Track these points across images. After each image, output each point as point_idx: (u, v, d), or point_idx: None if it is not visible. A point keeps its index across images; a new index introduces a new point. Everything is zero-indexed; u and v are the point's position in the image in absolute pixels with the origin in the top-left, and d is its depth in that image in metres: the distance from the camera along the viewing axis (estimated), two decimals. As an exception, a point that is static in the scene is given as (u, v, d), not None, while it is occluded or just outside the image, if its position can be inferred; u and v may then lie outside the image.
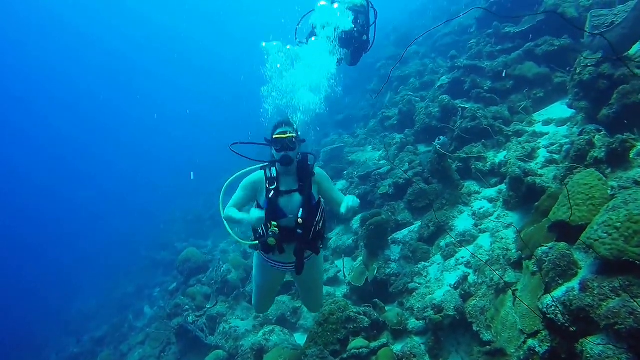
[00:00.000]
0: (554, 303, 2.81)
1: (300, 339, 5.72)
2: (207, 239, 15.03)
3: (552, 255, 3.00)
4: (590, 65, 5.08)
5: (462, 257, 4.85)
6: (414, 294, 4.78)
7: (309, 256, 3.36)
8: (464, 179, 5.89)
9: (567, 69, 6.55)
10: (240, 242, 3.42)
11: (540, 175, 4.76)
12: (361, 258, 6.05)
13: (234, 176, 3.63)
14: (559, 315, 2.75)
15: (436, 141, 5.50)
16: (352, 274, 5.92)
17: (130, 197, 34.20)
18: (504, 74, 7.02)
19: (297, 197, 3.21)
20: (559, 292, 2.84)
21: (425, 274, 5.08)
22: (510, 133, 6.11)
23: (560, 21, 7.02)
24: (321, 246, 3.43)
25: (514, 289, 3.57)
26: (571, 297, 2.67)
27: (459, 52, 10.11)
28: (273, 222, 3.08)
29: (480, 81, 7.17)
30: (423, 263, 5.25)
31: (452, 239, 5.08)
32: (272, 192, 3.18)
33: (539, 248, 3.25)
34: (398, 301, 5.16)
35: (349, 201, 3.04)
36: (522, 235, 3.87)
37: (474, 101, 6.95)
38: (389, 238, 5.89)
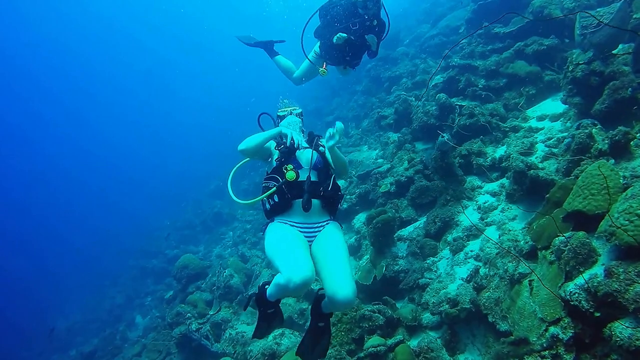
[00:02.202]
0: (577, 290, 2.93)
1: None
2: (199, 244, 14.96)
3: (572, 244, 3.12)
4: (582, 63, 5.28)
5: (471, 251, 4.97)
6: (428, 289, 4.87)
7: (326, 221, 3.27)
8: (466, 174, 6.03)
9: (555, 65, 6.80)
10: (250, 201, 3.29)
11: (542, 169, 4.91)
12: (367, 256, 6.14)
13: (241, 163, 3.81)
14: (583, 302, 2.88)
15: (439, 138, 5.62)
16: (358, 272, 5.99)
17: (116, 205, 33.59)
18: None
19: (309, 152, 3.37)
20: (581, 280, 2.97)
21: (435, 269, 5.18)
22: (507, 129, 6.29)
23: (547, 22, 7.27)
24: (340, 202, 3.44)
25: (530, 278, 3.69)
26: (596, 284, 2.80)
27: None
28: (289, 166, 3.16)
29: (475, 79, 7.35)
30: (432, 258, 5.35)
31: (462, 233, 5.22)
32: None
33: (556, 238, 3.38)
34: (408, 297, 5.26)
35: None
36: (534, 226, 4.00)
37: (470, 99, 7.13)
38: (395, 235, 5.99)
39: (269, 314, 3.17)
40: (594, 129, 4.51)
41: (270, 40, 6.26)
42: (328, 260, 2.99)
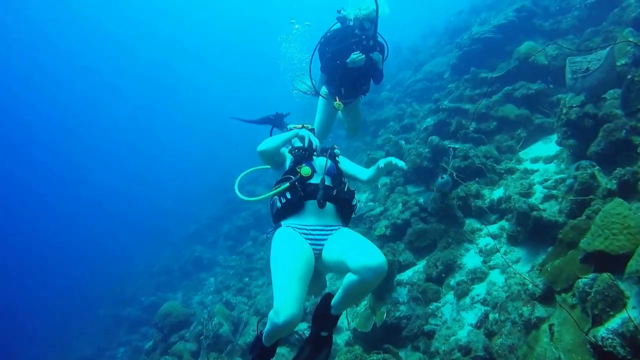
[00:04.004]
0: (610, 335, 2.81)
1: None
2: (177, 291, 14.38)
3: (598, 286, 3.03)
4: (575, 106, 5.40)
5: (477, 295, 4.82)
6: (436, 336, 4.67)
7: (338, 226, 3.15)
8: (464, 216, 5.98)
9: (547, 108, 6.97)
10: (260, 197, 3.26)
11: (544, 210, 4.89)
12: (366, 302, 5.91)
13: (249, 170, 3.81)
14: (619, 348, 2.75)
15: (439, 179, 5.58)
16: (356, 319, 5.76)
17: (84, 247, 30.90)
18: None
19: (323, 159, 3.39)
20: (613, 324, 2.85)
21: (440, 315, 5.00)
22: (502, 171, 6.33)
23: (532, 67, 7.53)
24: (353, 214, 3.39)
25: (550, 323, 3.56)
26: (631, 328, 2.69)
27: (430, 96, 10.57)
28: (303, 164, 3.18)
29: (466, 122, 7.45)
30: (435, 303, 5.18)
31: (464, 278, 5.09)
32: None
33: (579, 280, 3.28)
34: (412, 345, 5.03)
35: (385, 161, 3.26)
36: (548, 268, 3.91)
37: (462, 141, 7.19)
38: (394, 280, 5.82)
39: None
40: (594, 170, 4.54)
41: (276, 114, 6.10)
42: (347, 242, 2.84)
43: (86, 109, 52.04)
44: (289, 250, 2.86)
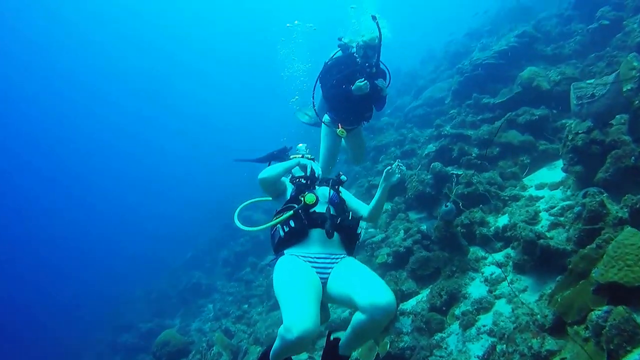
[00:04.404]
0: (628, 372, 2.67)
1: None
2: (174, 317, 14.12)
3: (614, 320, 2.88)
4: (581, 132, 5.33)
5: (484, 326, 4.64)
6: (442, 368, 4.50)
7: (343, 255, 3.11)
8: (468, 244, 5.84)
9: (550, 134, 6.89)
10: (261, 227, 3.17)
11: (551, 238, 4.76)
12: (368, 332, 5.73)
13: (249, 202, 3.82)
14: (637, 385, 2.60)
15: (443, 207, 5.46)
16: (358, 350, 5.57)
17: (80, 271, 30.47)
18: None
19: (326, 189, 3.38)
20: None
21: (445, 346, 4.82)
22: (506, 198, 6.21)
23: (535, 92, 7.50)
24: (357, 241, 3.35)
25: (562, 356, 3.40)
26: (651, 365, 2.55)
27: (432, 122, 10.53)
28: (306, 193, 3.12)
29: (468, 148, 7.36)
30: (439, 334, 5.00)
31: (470, 307, 4.92)
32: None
33: (592, 312, 3.14)
34: (416, 377, 4.85)
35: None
36: (558, 299, 3.76)
37: (465, 168, 7.09)
38: (397, 309, 5.65)
39: None
40: (602, 197, 4.44)
41: (280, 150, 6.04)
42: (354, 275, 2.79)
43: (83, 135, 52.13)
44: (297, 272, 2.79)
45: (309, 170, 3.43)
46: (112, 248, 32.59)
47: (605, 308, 3.08)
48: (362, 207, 3.70)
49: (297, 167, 3.58)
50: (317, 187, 3.45)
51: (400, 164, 3.49)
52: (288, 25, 6.27)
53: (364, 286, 2.61)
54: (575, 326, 3.42)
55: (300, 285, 2.65)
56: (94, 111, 52.13)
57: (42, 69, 46.41)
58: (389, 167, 3.47)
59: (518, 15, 13.35)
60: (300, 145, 4.35)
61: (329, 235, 2.97)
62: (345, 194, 3.69)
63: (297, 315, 2.34)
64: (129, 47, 50.24)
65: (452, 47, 15.57)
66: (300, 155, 3.97)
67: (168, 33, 50.82)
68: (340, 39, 5.38)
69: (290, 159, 3.93)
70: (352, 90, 4.91)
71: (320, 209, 3.11)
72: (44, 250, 37.55)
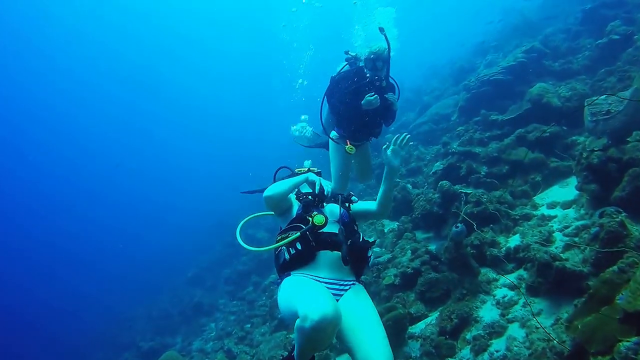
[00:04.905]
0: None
1: None
2: (176, 336, 13.83)
3: (643, 353, 2.68)
4: (597, 150, 5.15)
5: (497, 351, 4.41)
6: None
7: (353, 282, 2.89)
8: (479, 266, 5.62)
9: (564, 152, 6.69)
10: (266, 248, 2.98)
11: (566, 260, 4.55)
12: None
13: (250, 217, 3.59)
14: None
15: (453, 228, 5.25)
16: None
17: (80, 288, 29.34)
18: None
19: (335, 207, 3.18)
20: (664, 398, 2.49)
21: (456, 373, 4.60)
22: (517, 217, 6.01)
23: (545, 109, 7.34)
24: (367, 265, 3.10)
25: (586, 391, 3.18)
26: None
27: (437, 139, 10.38)
28: (314, 212, 2.87)
29: (477, 166, 7.18)
30: (449, 359, 4.77)
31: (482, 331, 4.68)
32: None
33: (620, 343, 2.92)
34: (425, 406, 4.61)
35: None
36: (578, 326, 3.53)
37: (473, 186, 6.90)
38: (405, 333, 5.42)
39: None
40: (622, 217, 4.23)
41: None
42: (359, 322, 2.58)
43: (87, 147, 52.14)
44: (304, 280, 2.63)
45: (317, 187, 3.19)
46: (114, 265, 32.19)
47: (635, 339, 2.86)
48: (369, 204, 3.47)
49: (305, 183, 3.35)
50: (325, 204, 3.24)
51: (407, 136, 3.30)
52: (294, 9, 6.20)
53: (367, 342, 2.46)
54: (600, 357, 3.19)
55: (313, 283, 2.55)
56: (97, 122, 52.48)
57: (47, 70, 46.90)
58: (387, 144, 3.25)
59: (523, 30, 13.28)
60: (306, 162, 4.17)
61: (345, 262, 2.74)
62: (354, 207, 3.43)
63: (313, 301, 2.14)
64: (163, 57, 50.95)
65: (456, 63, 15.51)
66: (306, 169, 3.75)
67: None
68: (347, 52, 5.27)
69: (295, 173, 3.76)
70: (361, 105, 4.78)
71: (329, 228, 2.87)
72: (45, 263, 37.27)
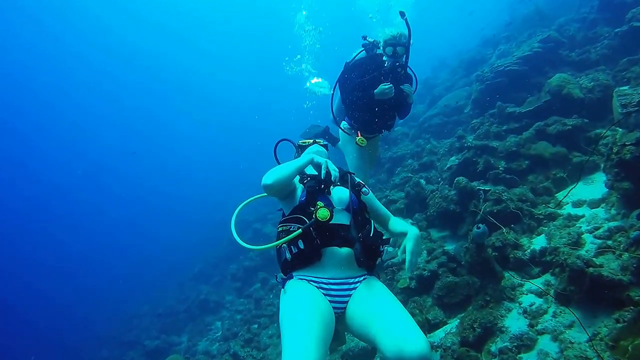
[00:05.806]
0: None
1: None
2: (182, 334, 13.60)
3: None
4: (629, 144, 4.77)
5: (527, 367, 4.10)
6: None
7: (363, 276, 2.62)
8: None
9: (590, 145, 6.31)
10: (262, 247, 2.68)
11: (601, 266, 4.20)
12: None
13: (249, 200, 3.28)
14: None
15: (474, 229, 4.89)
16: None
17: (87, 285, 29.57)
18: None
19: (344, 191, 2.85)
20: None
21: (482, 389, 4.27)
22: (541, 216, 5.64)
23: (565, 100, 6.95)
24: (379, 260, 2.79)
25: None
26: None
27: (449, 132, 10.01)
28: (319, 202, 2.53)
29: (495, 161, 6.80)
30: (473, 374, 4.45)
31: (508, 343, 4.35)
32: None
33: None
34: (448, 422, 4.30)
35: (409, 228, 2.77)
36: (628, 347, 3.21)
37: (492, 182, 6.53)
38: (423, 342, 5.10)
39: None
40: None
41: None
42: (379, 309, 2.32)
43: (93, 148, 51.98)
44: (303, 304, 2.29)
45: (323, 170, 2.71)
46: (120, 261, 32.13)
47: (697, 368, 2.53)
48: (385, 216, 3.15)
49: (310, 165, 2.87)
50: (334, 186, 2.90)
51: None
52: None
53: (389, 327, 2.17)
54: (653, 383, 2.86)
55: (305, 321, 2.19)
56: (100, 123, 52.26)
57: (56, 70, 46.78)
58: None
59: (535, 21, 12.85)
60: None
61: (359, 264, 2.48)
62: (366, 200, 3.05)
63: (296, 355, 1.96)
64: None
65: (466, 54, 15.10)
66: (312, 141, 3.40)
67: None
68: (364, 37, 4.93)
69: (298, 145, 3.47)
70: (374, 94, 4.46)
71: (337, 219, 2.55)
72: (51, 261, 37.19)
